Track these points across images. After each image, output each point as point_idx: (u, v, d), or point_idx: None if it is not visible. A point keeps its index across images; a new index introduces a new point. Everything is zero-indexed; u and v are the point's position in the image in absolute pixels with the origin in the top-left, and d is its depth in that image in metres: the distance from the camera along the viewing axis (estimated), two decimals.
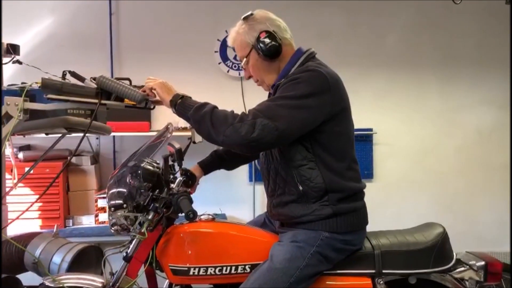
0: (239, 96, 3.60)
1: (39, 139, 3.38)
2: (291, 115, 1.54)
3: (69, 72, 1.79)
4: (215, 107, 1.61)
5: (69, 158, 3.30)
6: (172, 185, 1.77)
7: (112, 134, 3.34)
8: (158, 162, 1.74)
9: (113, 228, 1.68)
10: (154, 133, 3.26)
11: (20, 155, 3.18)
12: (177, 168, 1.84)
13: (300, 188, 1.66)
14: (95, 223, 3.22)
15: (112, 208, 1.64)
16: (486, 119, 3.83)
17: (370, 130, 3.74)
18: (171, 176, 1.82)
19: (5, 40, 3.06)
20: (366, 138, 3.74)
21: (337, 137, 1.69)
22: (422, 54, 3.73)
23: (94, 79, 1.69)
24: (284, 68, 1.77)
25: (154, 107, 1.86)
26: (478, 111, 3.81)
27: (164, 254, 1.70)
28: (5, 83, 2.97)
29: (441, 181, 3.80)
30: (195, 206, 3.59)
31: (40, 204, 3.22)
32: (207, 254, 1.68)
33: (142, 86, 3.33)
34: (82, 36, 3.48)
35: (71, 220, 3.25)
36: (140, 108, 1.75)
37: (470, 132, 3.82)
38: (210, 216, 1.77)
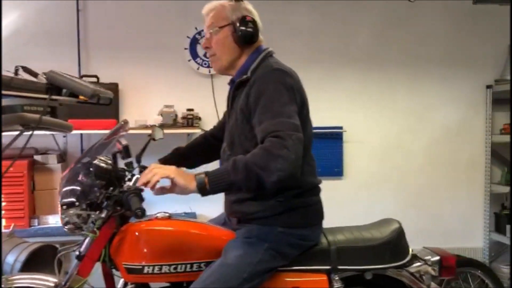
0: (210, 93, 3.58)
1: (5, 137, 3.32)
2: (298, 122, 1.55)
3: (22, 67, 1.76)
4: (241, 157, 1.51)
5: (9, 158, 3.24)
6: (129, 183, 1.75)
7: (80, 132, 3.30)
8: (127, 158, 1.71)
9: (66, 227, 1.65)
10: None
11: None
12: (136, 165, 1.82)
13: None
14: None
15: (64, 206, 1.62)
16: (454, 117, 3.89)
17: (340, 128, 3.76)
18: (129, 174, 1.80)
19: None
20: (336, 136, 3.76)
21: None
22: (391, 52, 3.77)
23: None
24: (244, 64, 1.78)
25: (110, 103, 1.82)
26: (446, 109, 3.86)
27: (118, 252, 1.68)
28: None
29: (408, 178, 3.85)
30: (165, 204, 3.58)
31: (4, 203, 3.16)
32: (161, 252, 1.67)
33: (111, 84, 3.39)
34: (50, 33, 3.43)
35: (36, 220, 3.19)
36: (93, 103, 1.71)
37: (438, 130, 3.87)
38: (166, 214, 1.76)
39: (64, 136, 3.50)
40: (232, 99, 1.81)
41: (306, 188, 1.71)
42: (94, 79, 3.44)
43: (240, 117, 1.68)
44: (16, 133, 1.80)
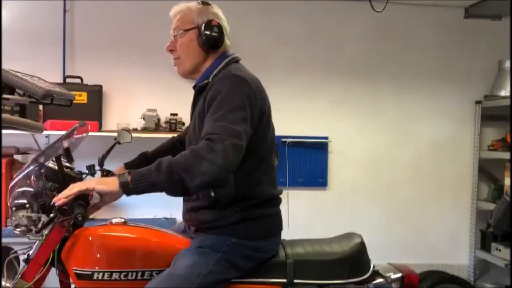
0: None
1: None
2: (243, 130, 1.51)
3: None
4: (168, 157, 1.48)
5: None
6: None
7: (60, 132, 3.28)
8: (69, 161, 1.69)
9: (17, 230, 1.62)
10: (103, 134, 3.25)
11: None
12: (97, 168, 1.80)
13: (212, 194, 1.63)
14: None
15: (14, 208, 1.58)
16: (441, 132, 3.83)
17: (326, 138, 3.72)
18: (91, 177, 1.77)
19: None
20: (321, 146, 3.72)
21: (258, 143, 1.66)
22: (378, 64, 3.74)
23: None
24: (208, 68, 1.75)
25: (70, 105, 1.79)
26: (433, 123, 3.81)
27: (69, 257, 1.64)
28: None
29: (393, 192, 3.79)
30: (146, 208, 3.51)
31: None
32: (113, 258, 1.63)
33: (95, 86, 3.38)
34: (35, 33, 3.42)
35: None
36: (46, 103, 1.68)
37: (424, 143, 3.82)
38: (122, 220, 1.72)
39: (46, 137, 3.48)
40: (194, 104, 1.78)
41: (263, 198, 1.67)
42: (78, 80, 3.43)
43: (198, 122, 1.65)
44: None
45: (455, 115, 3.84)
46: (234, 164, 1.46)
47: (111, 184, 1.46)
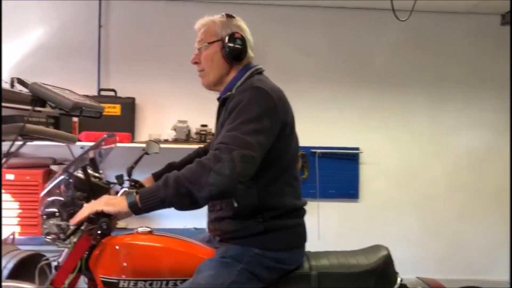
0: None
1: (26, 146, 3.44)
2: (256, 141, 1.50)
3: (17, 79, 1.81)
4: (174, 172, 1.48)
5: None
6: (116, 196, 1.75)
7: (94, 143, 3.37)
8: (96, 170, 1.73)
9: (48, 237, 1.67)
10: (136, 145, 3.33)
11: None
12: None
13: (235, 205, 1.63)
14: None
15: (45, 216, 1.64)
16: (478, 142, 3.72)
17: (357, 149, 3.68)
18: (119, 187, 1.81)
19: None
20: (352, 157, 3.68)
21: (280, 154, 1.66)
22: (409, 73, 3.68)
23: None
24: (232, 80, 1.76)
25: (100, 117, 1.84)
26: (469, 134, 3.71)
27: (97, 265, 1.68)
28: None
29: (428, 204, 3.70)
30: (176, 219, 3.55)
31: (20, 211, 3.26)
32: (139, 267, 1.65)
33: (128, 98, 3.46)
34: (71, 47, 3.56)
35: None
36: (75, 115, 1.73)
37: (460, 154, 3.72)
38: (147, 229, 1.74)
39: (81, 148, 3.58)
40: (218, 115, 1.80)
41: (286, 209, 1.65)
42: (112, 93, 3.53)
43: (221, 133, 1.66)
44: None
45: (491, 124, 3.73)
46: (243, 175, 1.45)
47: (119, 204, 1.48)
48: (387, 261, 1.74)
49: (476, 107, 3.73)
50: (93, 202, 1.55)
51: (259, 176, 1.62)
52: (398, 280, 1.75)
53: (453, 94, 3.71)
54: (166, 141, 3.43)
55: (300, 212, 1.73)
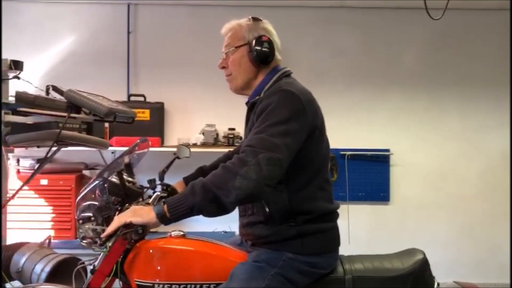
0: None
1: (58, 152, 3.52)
2: (283, 143, 1.49)
3: (52, 86, 1.85)
4: (200, 179, 1.48)
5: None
6: (149, 200, 1.77)
7: (125, 148, 3.43)
8: (130, 175, 1.75)
9: (83, 242, 1.70)
10: (165, 149, 3.36)
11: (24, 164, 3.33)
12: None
13: (267, 209, 1.63)
14: None
15: (81, 221, 1.66)
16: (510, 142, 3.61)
17: (387, 150, 3.62)
18: (151, 191, 1.82)
19: (31, 58, 3.24)
20: (383, 159, 3.62)
21: (310, 157, 1.64)
22: (440, 73, 3.61)
23: None
24: (260, 84, 1.76)
25: (132, 122, 1.87)
26: (501, 133, 3.60)
27: (131, 268, 1.69)
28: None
29: (461, 206, 3.62)
30: (204, 223, 3.55)
31: (54, 215, 3.34)
32: (173, 271, 1.66)
33: (157, 103, 3.51)
34: (101, 53, 3.63)
35: None
36: (109, 121, 1.76)
37: (494, 154, 3.63)
38: (181, 233, 1.75)
39: (112, 153, 3.65)
40: (246, 120, 1.79)
41: (319, 213, 1.64)
42: (141, 98, 3.58)
43: (248, 136, 1.66)
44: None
45: None
46: (269, 178, 1.43)
47: (147, 215, 1.48)
48: (423, 265, 1.70)
49: (508, 106, 3.62)
50: (121, 214, 1.56)
51: (290, 180, 1.61)
52: (435, 284, 1.72)
53: (485, 92, 3.62)
54: (194, 145, 3.46)
55: (333, 216, 1.71)
